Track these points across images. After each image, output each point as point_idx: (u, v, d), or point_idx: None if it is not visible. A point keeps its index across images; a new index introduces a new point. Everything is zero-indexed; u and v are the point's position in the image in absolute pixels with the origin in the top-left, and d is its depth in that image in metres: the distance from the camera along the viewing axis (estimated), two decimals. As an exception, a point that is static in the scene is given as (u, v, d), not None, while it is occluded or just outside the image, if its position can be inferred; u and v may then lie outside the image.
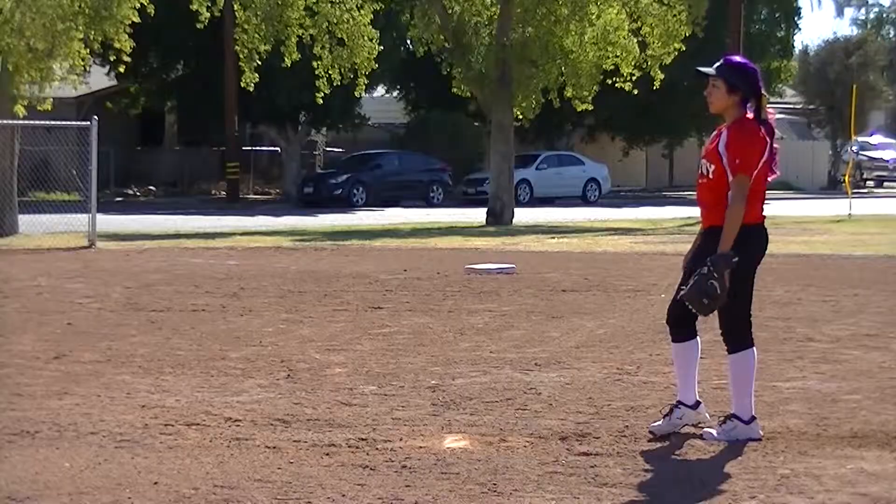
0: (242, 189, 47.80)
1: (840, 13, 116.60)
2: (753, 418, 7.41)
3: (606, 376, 9.50)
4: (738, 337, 7.41)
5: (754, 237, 7.37)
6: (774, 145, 7.43)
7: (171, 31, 43.11)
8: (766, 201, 7.45)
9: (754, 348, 7.47)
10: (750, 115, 7.37)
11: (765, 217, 7.45)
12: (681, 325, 7.58)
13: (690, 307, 7.27)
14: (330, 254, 21.69)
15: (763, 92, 7.40)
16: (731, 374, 7.52)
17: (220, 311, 13.41)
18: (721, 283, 7.13)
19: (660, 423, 7.57)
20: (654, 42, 33.16)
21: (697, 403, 7.64)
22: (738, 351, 7.41)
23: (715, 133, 7.47)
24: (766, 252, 7.49)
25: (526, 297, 14.74)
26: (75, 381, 9.23)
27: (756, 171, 7.29)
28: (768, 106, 7.50)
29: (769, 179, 7.41)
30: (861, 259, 20.81)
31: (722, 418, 7.48)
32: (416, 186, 45.79)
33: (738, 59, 7.60)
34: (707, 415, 7.68)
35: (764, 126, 7.36)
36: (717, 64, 7.46)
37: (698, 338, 7.64)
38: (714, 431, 7.40)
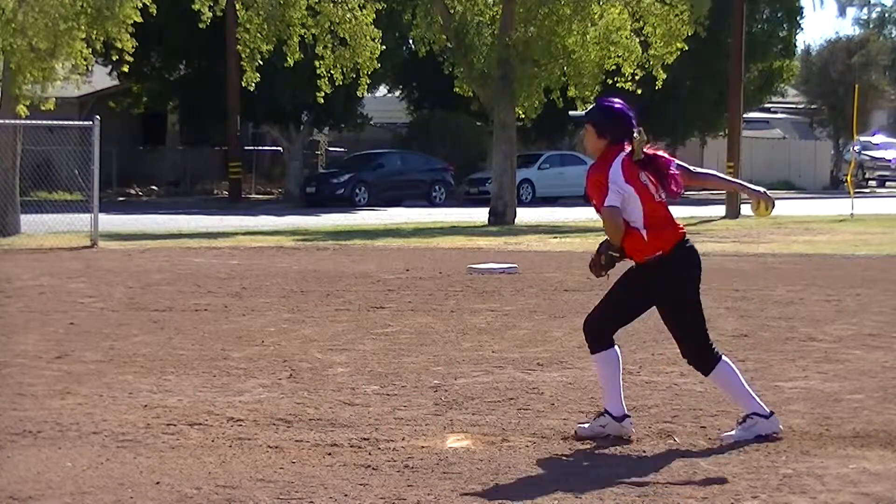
0: (245, 189, 47.80)
1: (842, 13, 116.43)
2: (772, 413, 7.39)
3: (609, 376, 9.49)
4: (704, 360, 7.38)
5: (675, 262, 7.29)
6: (672, 170, 7.30)
7: (173, 30, 43.11)
8: (674, 220, 7.33)
9: (724, 357, 7.41)
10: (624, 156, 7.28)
11: (683, 234, 7.33)
12: (595, 336, 7.44)
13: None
14: (332, 253, 21.69)
15: (636, 135, 7.28)
16: (722, 390, 7.54)
17: (222, 310, 13.42)
18: (596, 259, 7.42)
19: (586, 425, 7.51)
20: (656, 42, 33.16)
21: (624, 417, 7.43)
22: (712, 369, 7.39)
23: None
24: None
25: (528, 296, 14.74)
26: (78, 380, 9.24)
27: (637, 197, 7.22)
28: (657, 147, 7.45)
29: (663, 197, 7.31)
30: (863, 259, 20.80)
31: (741, 418, 7.42)
32: (419, 186, 45.79)
33: (610, 102, 7.49)
34: (632, 429, 7.43)
35: (647, 165, 7.25)
36: (590, 108, 7.46)
37: (617, 347, 7.49)
38: (733, 433, 7.34)
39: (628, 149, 7.32)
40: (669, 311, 7.36)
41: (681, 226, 7.41)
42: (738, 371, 7.49)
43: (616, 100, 7.58)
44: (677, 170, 7.40)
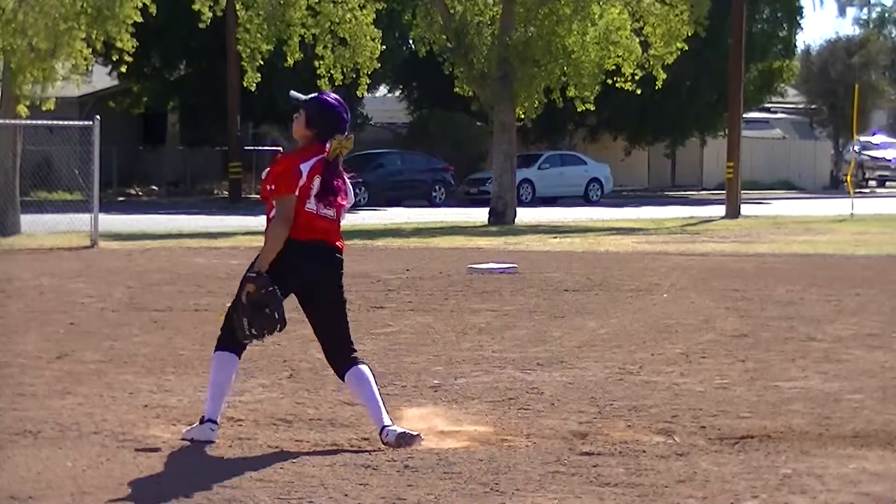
0: (245, 189, 47.76)
1: (842, 13, 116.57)
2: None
3: (608, 376, 9.50)
4: (345, 358, 7.34)
5: (285, 254, 7.40)
6: (337, 182, 7.30)
7: (173, 30, 43.12)
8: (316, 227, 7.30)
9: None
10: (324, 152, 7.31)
11: (315, 239, 7.31)
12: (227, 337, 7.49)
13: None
14: (332, 253, 21.65)
15: (340, 139, 7.30)
16: (357, 393, 7.39)
17: (222, 310, 13.37)
18: (238, 301, 7.43)
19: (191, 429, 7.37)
20: (656, 42, 33.18)
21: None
22: (353, 366, 7.29)
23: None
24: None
25: (528, 296, 14.74)
26: (78, 380, 9.23)
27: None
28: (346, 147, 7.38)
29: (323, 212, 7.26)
30: (863, 259, 20.81)
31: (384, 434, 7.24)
32: (419, 186, 45.79)
33: (331, 98, 7.49)
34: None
35: (328, 171, 7.26)
36: (311, 96, 7.50)
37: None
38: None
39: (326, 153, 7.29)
40: None
41: (331, 239, 7.35)
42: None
43: (335, 97, 7.55)
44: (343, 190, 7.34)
